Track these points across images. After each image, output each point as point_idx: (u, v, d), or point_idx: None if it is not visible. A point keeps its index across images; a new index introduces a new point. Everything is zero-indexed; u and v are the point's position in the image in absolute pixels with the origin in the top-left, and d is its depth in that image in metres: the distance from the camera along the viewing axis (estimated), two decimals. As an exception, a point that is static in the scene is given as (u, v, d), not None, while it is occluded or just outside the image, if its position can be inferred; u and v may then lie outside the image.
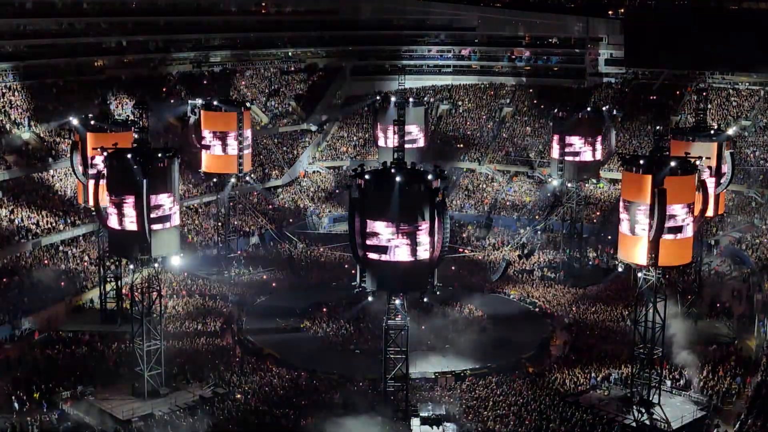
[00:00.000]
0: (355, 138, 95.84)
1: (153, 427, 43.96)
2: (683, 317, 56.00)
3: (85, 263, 64.46)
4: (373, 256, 41.75)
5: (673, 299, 54.15)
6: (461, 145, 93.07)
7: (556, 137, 70.10)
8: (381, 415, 44.22)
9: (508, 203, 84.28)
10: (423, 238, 41.78)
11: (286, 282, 68.24)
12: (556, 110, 71.90)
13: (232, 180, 71.49)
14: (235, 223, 71.95)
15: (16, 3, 79.50)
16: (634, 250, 46.19)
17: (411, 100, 78.42)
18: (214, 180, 74.46)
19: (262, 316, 60.98)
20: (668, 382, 48.79)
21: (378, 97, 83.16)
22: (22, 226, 63.67)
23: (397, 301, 43.48)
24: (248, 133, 70.85)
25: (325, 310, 61.68)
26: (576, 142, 68.73)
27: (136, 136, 49.23)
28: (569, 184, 70.13)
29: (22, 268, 61.01)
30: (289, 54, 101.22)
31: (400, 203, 41.14)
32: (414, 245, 41.64)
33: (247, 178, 75.06)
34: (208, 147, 69.89)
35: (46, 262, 62.87)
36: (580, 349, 54.87)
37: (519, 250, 73.38)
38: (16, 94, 75.21)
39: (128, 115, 71.72)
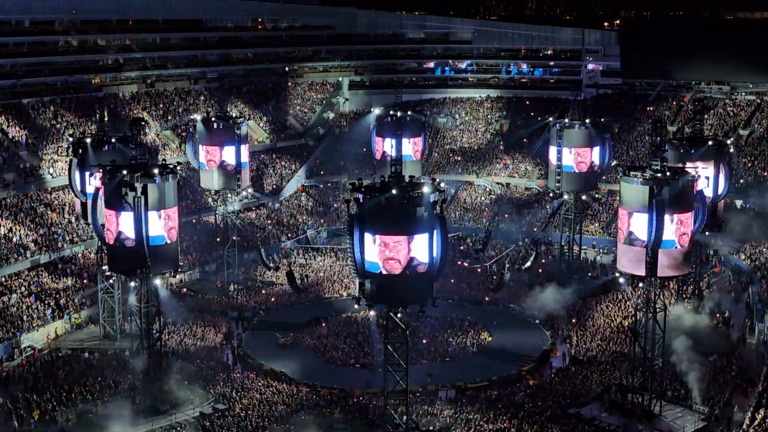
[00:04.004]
0: (352, 152, 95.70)
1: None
2: (683, 327, 55.85)
3: (84, 280, 64.34)
4: (372, 269, 41.70)
5: (673, 309, 54.14)
6: (459, 158, 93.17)
7: (553, 149, 70.03)
8: (382, 430, 44.13)
9: (506, 215, 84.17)
10: (422, 251, 41.75)
11: (285, 297, 68.14)
12: (552, 122, 71.99)
13: (230, 196, 71.52)
14: (234, 239, 71.99)
15: (14, 21, 79.61)
16: (633, 261, 46.23)
17: (408, 113, 78.43)
18: (213, 196, 74.42)
19: (261, 331, 60.92)
20: (669, 393, 48.70)
21: (375, 111, 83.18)
22: (20, 243, 63.56)
23: (398, 315, 43.38)
24: (246, 148, 70.81)
25: (324, 324, 61.64)
26: (573, 153, 68.77)
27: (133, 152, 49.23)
28: (566, 196, 70.21)
29: (20, 286, 60.93)
30: (286, 69, 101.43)
31: (398, 217, 41.16)
32: (413, 258, 41.60)
33: (245, 194, 74.95)
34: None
35: (44, 279, 62.79)
36: (580, 361, 54.82)
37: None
38: (14, 112, 75.18)
39: (126, 132, 71.68)
